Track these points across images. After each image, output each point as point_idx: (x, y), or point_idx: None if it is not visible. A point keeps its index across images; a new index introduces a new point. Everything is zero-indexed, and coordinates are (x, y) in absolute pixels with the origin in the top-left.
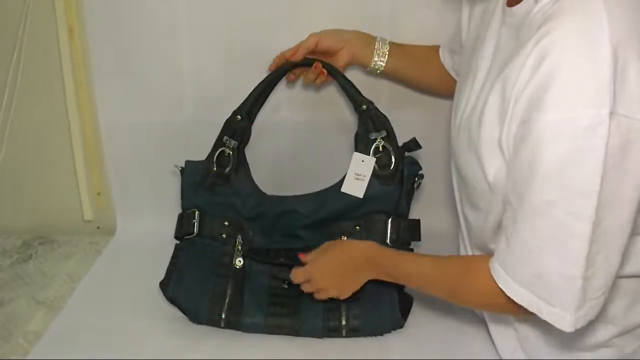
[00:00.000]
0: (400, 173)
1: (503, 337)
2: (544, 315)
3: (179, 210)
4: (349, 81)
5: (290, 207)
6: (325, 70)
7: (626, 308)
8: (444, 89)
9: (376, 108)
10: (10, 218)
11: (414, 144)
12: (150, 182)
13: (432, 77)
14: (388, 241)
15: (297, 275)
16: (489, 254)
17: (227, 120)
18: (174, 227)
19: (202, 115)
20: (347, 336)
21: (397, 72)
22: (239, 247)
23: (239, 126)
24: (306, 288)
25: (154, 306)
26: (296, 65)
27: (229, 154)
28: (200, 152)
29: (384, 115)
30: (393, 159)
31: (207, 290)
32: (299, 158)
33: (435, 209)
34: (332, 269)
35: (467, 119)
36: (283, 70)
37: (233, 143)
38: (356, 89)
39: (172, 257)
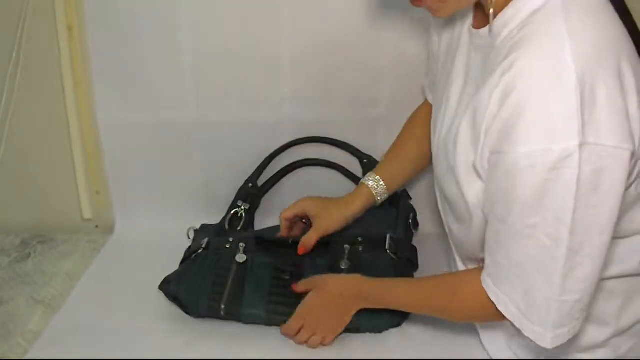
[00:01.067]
0: (396, 201)
1: (493, 340)
2: (526, 332)
3: (178, 209)
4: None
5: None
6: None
7: (619, 308)
8: None
9: (374, 160)
10: (8, 216)
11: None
12: (149, 181)
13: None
14: (387, 249)
15: (290, 326)
16: (476, 268)
17: (240, 187)
18: (173, 225)
19: (203, 113)
20: (346, 331)
21: (403, 182)
22: (241, 249)
23: (250, 192)
24: (302, 336)
25: (153, 305)
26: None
27: (240, 214)
28: (199, 151)
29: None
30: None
31: (208, 282)
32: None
33: (434, 214)
34: (323, 308)
35: (444, 142)
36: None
37: (245, 205)
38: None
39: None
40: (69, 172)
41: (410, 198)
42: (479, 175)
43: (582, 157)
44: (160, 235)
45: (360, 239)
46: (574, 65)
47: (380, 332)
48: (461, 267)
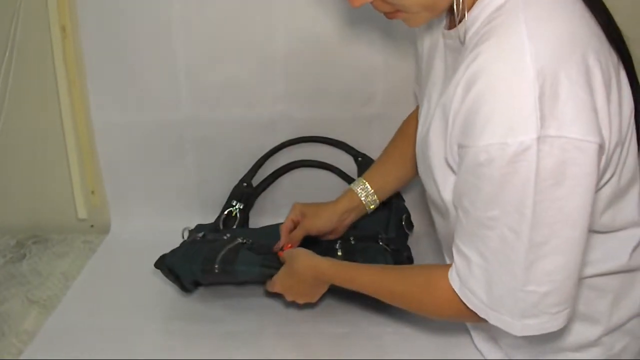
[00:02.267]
0: (389, 202)
1: (484, 340)
2: (492, 321)
3: (173, 209)
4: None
5: None
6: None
7: (611, 305)
8: None
9: (369, 158)
10: (3, 217)
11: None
12: (144, 181)
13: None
14: (380, 242)
15: (271, 289)
16: (449, 264)
17: (235, 186)
18: (168, 225)
19: (197, 113)
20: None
21: (393, 186)
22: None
23: (245, 191)
24: (287, 298)
25: (148, 305)
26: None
27: (235, 214)
28: (193, 151)
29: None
30: None
31: (204, 250)
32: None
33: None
34: (293, 282)
35: (421, 142)
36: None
37: (240, 205)
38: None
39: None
40: (64, 173)
41: (404, 200)
42: (452, 170)
43: (541, 150)
44: (155, 235)
45: (351, 238)
46: (531, 60)
47: None
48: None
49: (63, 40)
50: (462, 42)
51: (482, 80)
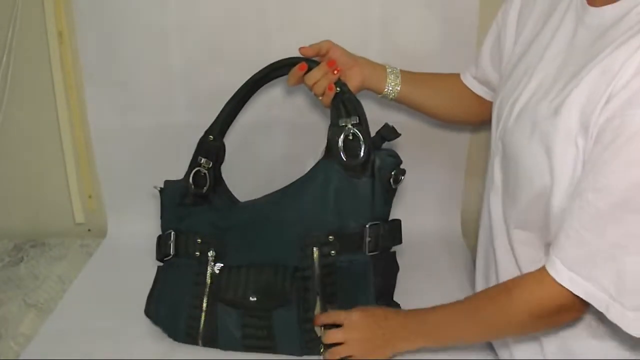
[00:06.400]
0: (371, 164)
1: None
2: (612, 315)
3: None
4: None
5: (262, 214)
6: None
7: None
8: (463, 114)
9: (349, 91)
10: (1, 221)
11: (390, 132)
12: (141, 185)
13: (449, 102)
14: (366, 251)
15: (328, 316)
16: (531, 271)
17: (200, 140)
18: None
19: (193, 117)
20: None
21: (411, 98)
22: (212, 263)
23: (212, 146)
24: (334, 335)
25: (144, 309)
26: (276, 71)
27: (204, 173)
28: (190, 155)
29: (357, 100)
30: (362, 148)
31: (184, 310)
32: (293, 158)
33: (432, 210)
34: (367, 328)
35: (533, 109)
36: (254, 85)
37: (208, 163)
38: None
39: (154, 282)
40: (61, 177)
41: (398, 134)
42: (577, 145)
43: None
44: (152, 239)
45: (331, 238)
46: None
47: None
48: (501, 259)
49: (60, 46)
50: (619, 20)
51: None
